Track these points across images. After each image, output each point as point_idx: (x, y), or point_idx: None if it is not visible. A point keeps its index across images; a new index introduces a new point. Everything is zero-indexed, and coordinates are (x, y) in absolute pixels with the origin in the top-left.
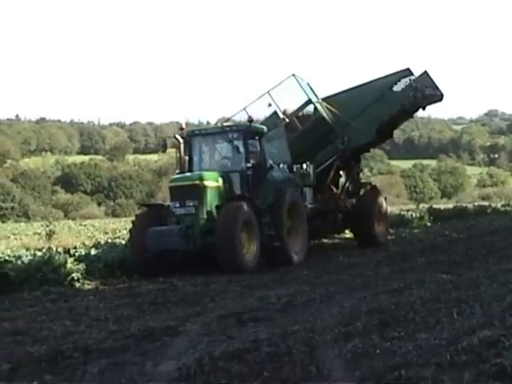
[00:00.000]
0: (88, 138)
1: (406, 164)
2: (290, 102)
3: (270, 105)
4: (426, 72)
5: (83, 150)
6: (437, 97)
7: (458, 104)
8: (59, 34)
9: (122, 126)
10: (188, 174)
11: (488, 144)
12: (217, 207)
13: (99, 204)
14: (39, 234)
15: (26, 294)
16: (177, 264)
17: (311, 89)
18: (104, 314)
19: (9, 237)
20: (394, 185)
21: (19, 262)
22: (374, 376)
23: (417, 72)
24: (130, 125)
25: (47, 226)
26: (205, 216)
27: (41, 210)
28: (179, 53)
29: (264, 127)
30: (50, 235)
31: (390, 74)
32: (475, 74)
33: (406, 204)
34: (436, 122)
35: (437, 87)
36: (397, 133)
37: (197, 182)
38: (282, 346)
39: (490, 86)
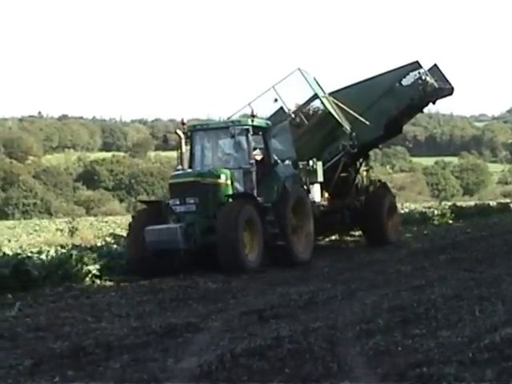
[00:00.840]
0: (110, 134)
1: (428, 161)
2: (295, 97)
3: (276, 100)
4: (435, 65)
5: (105, 147)
6: (447, 91)
7: (481, 101)
8: (81, 30)
9: (143, 122)
10: (188, 170)
11: (510, 141)
12: (218, 205)
13: (121, 201)
14: (61, 230)
15: (47, 290)
16: (177, 263)
17: (317, 83)
18: (126, 310)
19: (31, 233)
20: (416, 182)
21: (41, 258)
22: (395, 373)
23: (427, 65)
24: (152, 122)
25: (69, 222)
26: (206, 214)
27: (63, 207)
28: (200, 49)
29: (268, 122)
30: (72, 232)
31: (399, 68)
32: (498, 70)
33: (428, 201)
34: (458, 119)
35: (447, 80)
36: (419, 130)
37: (197, 178)
38: (303, 343)
39: None
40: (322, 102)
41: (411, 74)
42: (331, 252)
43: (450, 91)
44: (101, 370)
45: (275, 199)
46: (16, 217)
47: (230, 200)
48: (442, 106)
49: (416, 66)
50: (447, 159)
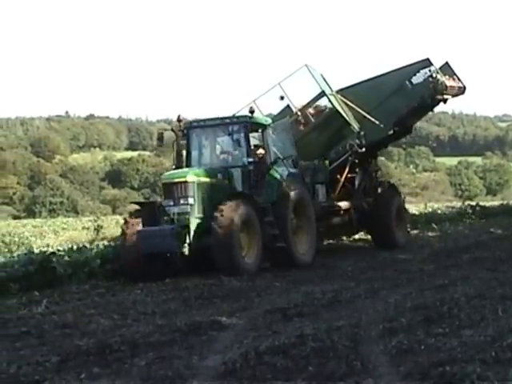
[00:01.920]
0: (136, 134)
1: (452, 161)
2: (302, 94)
3: (282, 98)
4: (447, 63)
5: (131, 146)
6: (459, 89)
7: (504, 101)
8: (108, 31)
9: (169, 122)
10: (182, 169)
11: None
12: (214, 206)
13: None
14: (87, 228)
15: (74, 287)
16: (172, 266)
17: (325, 80)
18: (151, 308)
19: (57, 231)
20: (440, 182)
21: (68, 256)
22: (418, 372)
23: (438, 63)
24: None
25: (95, 220)
26: (200, 215)
27: (89, 205)
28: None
29: (267, 119)
30: (98, 230)
31: (409, 65)
32: None
33: (451, 201)
34: (481, 119)
35: (459, 79)
36: (442, 130)
37: (191, 178)
38: (327, 341)
39: None
40: (330, 100)
41: (422, 71)
42: (354, 251)
43: (461, 90)
44: (126, 368)
45: (275, 199)
46: (43, 215)
47: (227, 200)
48: (465, 106)
49: (427, 63)
50: (470, 159)
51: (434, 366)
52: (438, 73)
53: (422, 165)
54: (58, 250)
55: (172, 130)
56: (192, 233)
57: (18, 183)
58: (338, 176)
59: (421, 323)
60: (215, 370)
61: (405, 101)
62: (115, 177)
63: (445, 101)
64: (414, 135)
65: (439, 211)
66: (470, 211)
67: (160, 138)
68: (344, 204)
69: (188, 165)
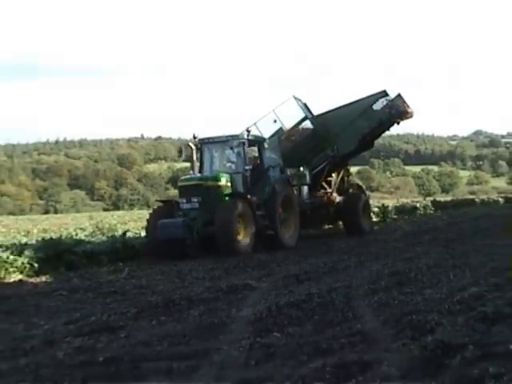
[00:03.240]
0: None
1: (416, 168)
2: (290, 118)
3: (275, 121)
4: (399, 94)
5: (187, 159)
6: (408, 114)
7: (453, 125)
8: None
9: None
10: (194, 175)
11: (475, 154)
12: (218, 203)
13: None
14: None
15: (146, 260)
16: (183, 249)
17: (307, 107)
18: (202, 274)
19: (135, 220)
20: (407, 184)
21: (143, 237)
22: (393, 320)
23: (393, 93)
24: None
25: None
26: (207, 210)
27: None
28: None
29: (263, 136)
30: None
31: (370, 95)
32: (467, 102)
33: (416, 197)
34: (437, 139)
35: (408, 106)
36: (409, 146)
37: (200, 181)
38: (327, 298)
39: (478, 110)
40: (311, 122)
41: (380, 100)
42: (345, 234)
43: (411, 115)
44: (184, 317)
45: (266, 197)
46: (125, 208)
47: (227, 199)
48: (426, 128)
49: (384, 93)
50: (430, 167)
51: (405, 315)
52: (392, 101)
53: (395, 171)
54: (136, 233)
55: (188, 145)
56: (200, 224)
57: (107, 185)
58: (318, 179)
59: (395, 285)
60: (247, 319)
61: (367, 122)
62: (176, 181)
63: (398, 123)
64: (390, 150)
65: (407, 204)
66: (430, 204)
67: (180, 151)
68: (323, 201)
69: (201, 171)
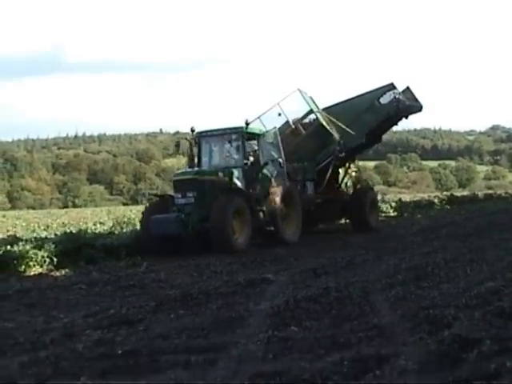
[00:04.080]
0: None
1: (433, 163)
2: (296, 111)
3: (279, 114)
4: (408, 87)
5: (184, 153)
6: (417, 108)
7: (470, 120)
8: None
9: None
10: (189, 169)
11: (492, 149)
12: (214, 198)
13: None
14: None
15: (164, 253)
16: (178, 245)
17: (313, 101)
18: (219, 268)
19: None
20: (425, 178)
21: None
22: (410, 314)
23: (402, 87)
24: None
25: None
26: (202, 206)
27: None
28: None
29: (262, 129)
30: None
31: (377, 88)
32: (484, 97)
33: (433, 192)
34: (455, 134)
35: (417, 100)
36: (426, 141)
37: (196, 176)
38: (345, 292)
39: (495, 105)
40: (317, 116)
41: (387, 93)
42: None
43: (419, 108)
44: (202, 310)
45: (266, 192)
46: (143, 202)
47: (223, 194)
48: (443, 123)
49: (391, 86)
50: (447, 162)
51: (421, 309)
52: (400, 95)
53: (412, 166)
54: None
55: (186, 138)
56: (195, 219)
57: (126, 180)
58: (324, 174)
59: (412, 279)
60: (265, 312)
61: (374, 117)
62: None
63: (406, 117)
64: (407, 145)
65: (425, 199)
66: (447, 199)
67: (177, 145)
68: (330, 197)
69: (199, 166)
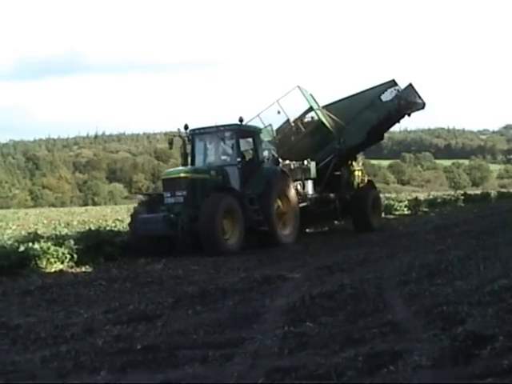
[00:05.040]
0: None
1: (447, 162)
2: (295, 109)
3: (278, 112)
4: (410, 84)
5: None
6: (419, 105)
7: (484, 119)
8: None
9: None
10: (179, 167)
11: (505, 148)
12: (204, 197)
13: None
14: None
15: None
16: (168, 246)
17: (313, 98)
18: (236, 265)
19: None
20: (438, 177)
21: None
22: (424, 310)
23: (404, 84)
24: None
25: None
26: (192, 205)
27: None
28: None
29: (257, 127)
30: None
31: (378, 85)
32: (499, 96)
33: (447, 191)
34: (468, 133)
35: (419, 97)
36: (440, 140)
37: (186, 174)
38: (359, 289)
39: (509, 105)
40: (317, 114)
41: (389, 90)
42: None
43: (422, 106)
44: (219, 306)
45: (261, 191)
46: None
47: (213, 193)
48: (456, 123)
49: (392, 83)
50: (460, 161)
51: (435, 306)
52: (402, 92)
53: (426, 165)
54: None
55: (179, 136)
56: (184, 219)
57: (144, 179)
58: (324, 173)
59: (425, 276)
60: (281, 309)
61: (375, 114)
62: None
63: (409, 114)
64: (421, 144)
65: (438, 197)
66: (460, 197)
67: (170, 142)
68: (330, 196)
69: (192, 164)
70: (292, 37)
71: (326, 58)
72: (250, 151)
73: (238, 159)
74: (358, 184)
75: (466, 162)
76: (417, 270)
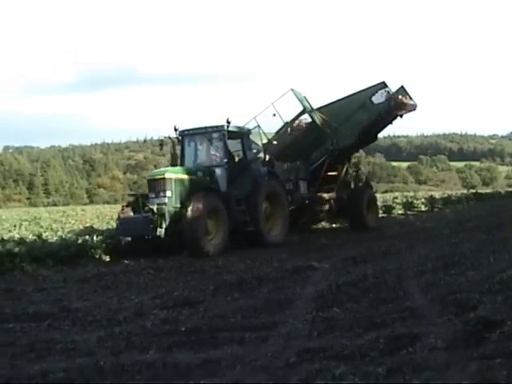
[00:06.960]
0: None
1: (460, 164)
2: (289, 111)
3: (274, 115)
4: (402, 86)
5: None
6: (411, 107)
7: (494, 125)
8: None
9: None
10: (162, 168)
11: None
12: (188, 197)
13: None
14: None
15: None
16: (152, 247)
17: (307, 100)
18: (270, 256)
19: None
20: (452, 177)
21: None
22: (439, 298)
23: (396, 86)
24: None
25: None
26: (177, 205)
27: None
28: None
29: (245, 128)
30: None
31: (369, 87)
32: (507, 103)
33: (460, 190)
34: (479, 137)
35: (411, 98)
36: (453, 144)
37: (168, 175)
38: (381, 278)
39: None
40: (310, 116)
41: (379, 92)
42: (398, 222)
43: (413, 107)
44: (255, 293)
45: (249, 192)
46: None
47: (197, 193)
48: (469, 128)
49: (383, 85)
50: (472, 163)
51: (449, 294)
52: (393, 93)
53: (441, 167)
54: None
55: (169, 137)
56: (168, 220)
57: None
58: (318, 173)
59: (441, 267)
60: (310, 296)
61: (367, 115)
62: None
63: (401, 116)
64: (436, 148)
65: (452, 196)
66: (472, 196)
67: (161, 144)
68: (324, 195)
69: (182, 164)
70: (291, 39)
71: (321, 61)
72: (239, 151)
73: (225, 160)
74: (355, 183)
75: (477, 163)
76: (433, 261)
